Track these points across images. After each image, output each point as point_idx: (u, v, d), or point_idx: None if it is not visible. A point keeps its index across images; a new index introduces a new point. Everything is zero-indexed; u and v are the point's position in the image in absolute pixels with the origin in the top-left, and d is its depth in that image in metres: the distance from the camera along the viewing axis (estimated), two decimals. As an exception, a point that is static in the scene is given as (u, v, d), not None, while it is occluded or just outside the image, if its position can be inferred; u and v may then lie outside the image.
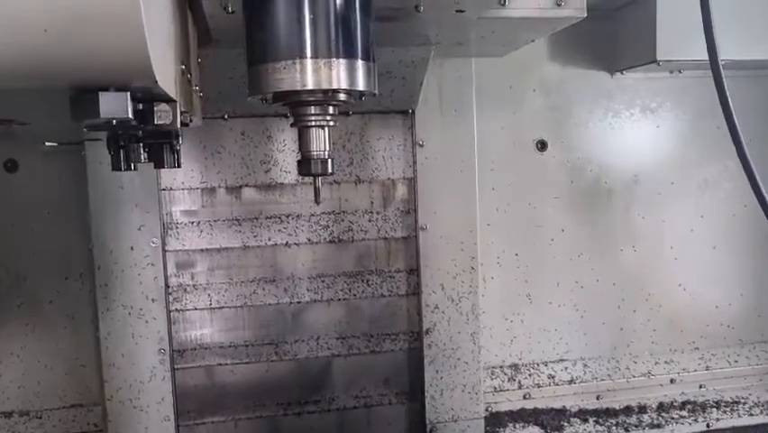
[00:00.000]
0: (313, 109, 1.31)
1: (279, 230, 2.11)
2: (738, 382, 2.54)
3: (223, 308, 2.10)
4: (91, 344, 2.11)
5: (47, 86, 0.88)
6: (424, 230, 2.13)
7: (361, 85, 1.26)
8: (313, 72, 1.21)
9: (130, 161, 1.22)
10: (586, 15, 1.56)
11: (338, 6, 1.22)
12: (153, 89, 0.93)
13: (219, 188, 2.07)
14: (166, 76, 0.95)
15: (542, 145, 2.36)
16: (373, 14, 1.29)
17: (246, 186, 2.09)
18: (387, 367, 2.21)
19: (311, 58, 1.20)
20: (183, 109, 1.11)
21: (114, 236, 1.96)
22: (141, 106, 0.99)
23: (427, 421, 2.19)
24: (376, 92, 1.30)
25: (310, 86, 1.21)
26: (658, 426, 2.37)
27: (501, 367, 2.39)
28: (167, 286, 2.02)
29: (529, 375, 2.39)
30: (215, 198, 2.07)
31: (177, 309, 2.07)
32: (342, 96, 1.28)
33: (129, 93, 0.89)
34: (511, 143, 2.34)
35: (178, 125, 1.05)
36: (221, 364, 2.12)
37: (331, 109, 1.32)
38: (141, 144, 1.20)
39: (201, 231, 2.07)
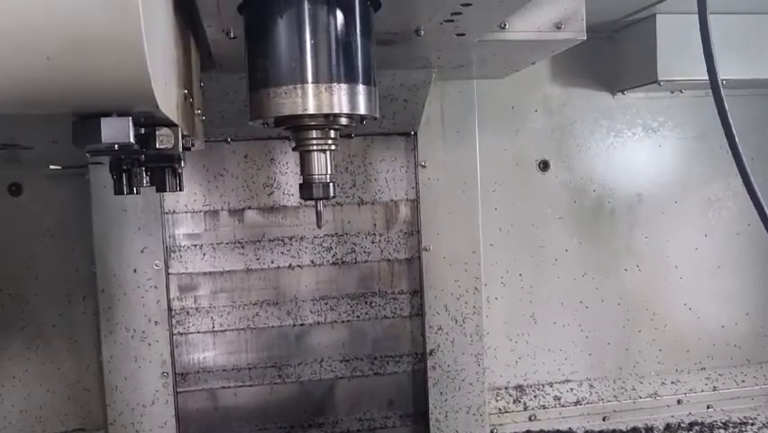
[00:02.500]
0: (314, 133, 1.31)
1: (282, 252, 2.11)
2: (746, 403, 2.51)
3: (225, 330, 2.10)
4: (94, 367, 2.11)
5: (49, 112, 0.88)
6: (427, 251, 2.13)
7: (362, 109, 1.27)
8: (314, 97, 1.21)
9: (132, 184, 1.22)
10: (586, 38, 1.57)
11: (338, 31, 1.23)
12: (155, 114, 0.94)
13: (222, 211, 2.08)
14: (168, 100, 0.95)
15: (544, 165, 2.37)
16: (374, 38, 1.30)
17: (249, 208, 2.09)
18: (390, 389, 2.20)
19: (312, 82, 1.21)
20: (185, 133, 1.11)
21: (117, 259, 1.96)
22: (143, 131, 0.99)
23: (432, 445, 2.17)
24: (377, 116, 1.30)
25: (311, 110, 1.22)
26: (666, 447, 2.35)
27: (506, 388, 2.37)
28: (169, 309, 2.02)
29: (534, 396, 2.37)
30: (218, 220, 2.07)
31: (180, 333, 2.06)
32: (343, 121, 1.29)
33: (131, 118, 0.89)
34: (513, 164, 2.34)
35: (180, 149, 1.05)
36: (224, 387, 2.11)
37: (332, 133, 1.33)
38: (144, 168, 1.21)
39: (204, 254, 2.07)
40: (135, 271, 1.97)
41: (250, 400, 2.12)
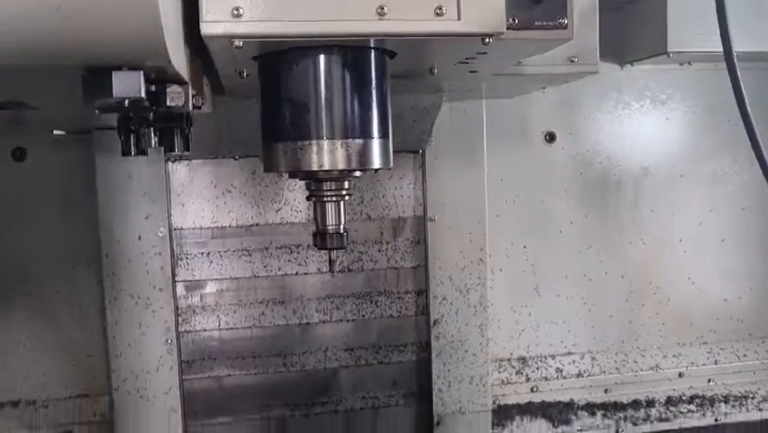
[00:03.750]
0: (328, 185, 1.35)
1: (289, 260, 2.12)
2: (747, 377, 2.52)
3: (232, 328, 2.11)
4: (97, 334, 2.11)
5: (60, 64, 0.87)
6: (432, 221, 2.12)
7: (376, 163, 1.28)
8: (329, 153, 1.22)
9: (140, 145, 1.21)
10: (598, 71, 1.63)
11: (354, 86, 1.24)
12: (166, 69, 0.92)
13: (230, 228, 2.09)
14: (178, 56, 0.94)
15: (550, 137, 2.35)
16: (389, 87, 1.30)
17: (257, 225, 2.10)
18: (395, 372, 2.22)
19: (327, 139, 1.22)
20: (194, 92, 1.10)
21: (121, 226, 1.96)
22: (153, 88, 0.98)
23: (434, 414, 2.19)
24: (391, 167, 1.32)
25: (326, 167, 1.23)
26: (666, 420, 2.37)
27: (509, 360, 2.38)
28: (173, 276, 2.01)
29: (537, 368, 2.38)
30: (226, 232, 2.09)
31: (186, 330, 2.08)
32: (357, 174, 1.31)
33: (142, 72, 0.88)
34: (520, 135, 2.33)
35: (190, 108, 1.04)
36: (229, 375, 2.12)
37: (346, 184, 1.36)
38: (152, 129, 1.20)
39: (211, 262, 2.08)
40: (140, 237, 1.97)
41: (255, 382, 2.14)
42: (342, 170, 1.27)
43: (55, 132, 1.98)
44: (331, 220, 1.39)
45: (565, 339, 2.42)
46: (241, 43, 1.04)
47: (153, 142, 1.20)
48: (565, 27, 1.17)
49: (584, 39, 1.55)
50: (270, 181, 2.10)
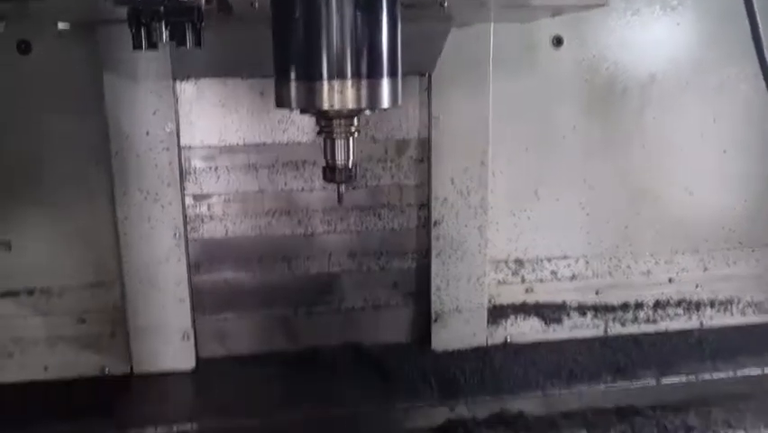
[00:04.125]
0: (338, 122, 1.38)
1: (295, 176, 2.16)
2: (734, 283, 2.61)
3: (238, 237, 2.17)
4: (108, 225, 2.17)
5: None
6: (437, 120, 2.14)
7: (385, 103, 1.33)
8: (339, 93, 1.27)
9: (151, 39, 1.22)
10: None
11: (364, 27, 1.27)
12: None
13: (237, 146, 2.12)
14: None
15: (557, 41, 2.33)
16: (399, 29, 1.32)
17: (264, 144, 2.12)
18: (396, 276, 2.31)
19: (338, 78, 1.26)
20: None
21: (129, 121, 1.98)
22: (166, -20, 0.98)
23: (432, 311, 2.29)
24: (399, 104, 1.36)
25: (337, 106, 1.28)
26: (653, 322, 2.48)
27: (506, 262, 2.46)
28: (181, 171, 2.05)
29: (532, 270, 2.47)
30: (234, 150, 2.13)
31: (194, 238, 2.16)
32: (367, 112, 1.35)
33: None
34: (527, 38, 2.30)
35: (202, 1, 1.05)
36: (235, 277, 2.21)
37: (355, 121, 1.39)
38: (163, 22, 1.20)
39: (219, 177, 2.13)
40: (147, 133, 1.99)
41: (259, 282, 2.23)
42: (351, 109, 1.31)
43: (59, 25, 1.96)
44: (340, 156, 1.44)
45: (561, 243, 2.49)
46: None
47: (164, 37, 1.21)
48: None
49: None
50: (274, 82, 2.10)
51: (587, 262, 2.52)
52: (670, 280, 2.56)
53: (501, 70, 2.22)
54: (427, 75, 2.14)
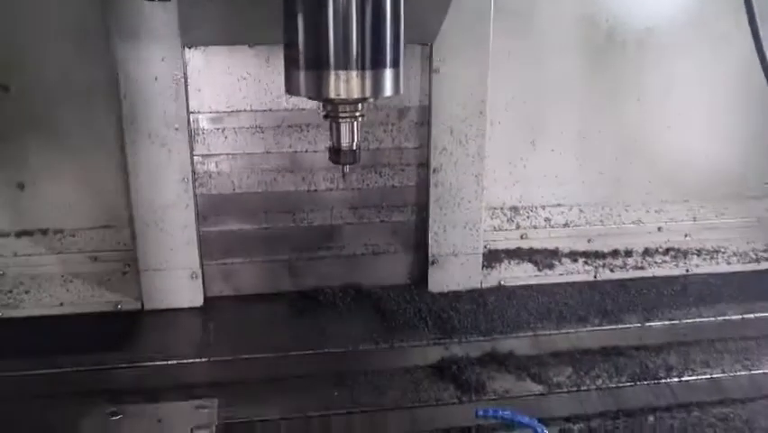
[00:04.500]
0: (343, 107, 1.47)
1: (300, 138, 2.22)
2: (721, 234, 2.70)
3: (245, 192, 2.24)
4: (118, 170, 2.24)
5: None
6: (437, 72, 2.19)
7: (388, 91, 1.43)
8: (345, 82, 1.36)
9: (164, -10, 1.26)
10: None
11: (369, 21, 1.35)
12: None
13: (244, 112, 2.17)
14: None
15: (558, -6, 2.36)
16: (402, 21, 1.41)
17: (270, 110, 2.17)
18: (395, 227, 2.40)
19: (343, 69, 1.35)
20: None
21: (137, 67, 2.02)
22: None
23: (430, 255, 2.38)
24: (401, 92, 1.47)
25: (343, 95, 1.37)
26: (641, 268, 2.57)
27: (502, 209, 2.54)
28: (188, 115, 2.11)
29: (527, 217, 2.55)
30: (241, 116, 2.18)
31: (202, 193, 2.23)
32: (371, 99, 1.44)
33: None
34: (528, -10, 2.34)
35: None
36: (241, 229, 2.28)
37: (360, 106, 1.47)
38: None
39: (226, 137, 2.19)
40: (156, 79, 2.04)
41: (264, 232, 2.31)
42: (356, 98, 1.41)
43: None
44: (345, 138, 1.54)
45: (556, 192, 2.57)
46: None
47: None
48: None
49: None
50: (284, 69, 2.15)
51: (580, 211, 2.61)
52: (659, 229, 2.65)
53: (501, 24, 2.25)
54: (429, 45, 2.18)
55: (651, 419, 1.83)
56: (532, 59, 2.40)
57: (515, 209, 2.55)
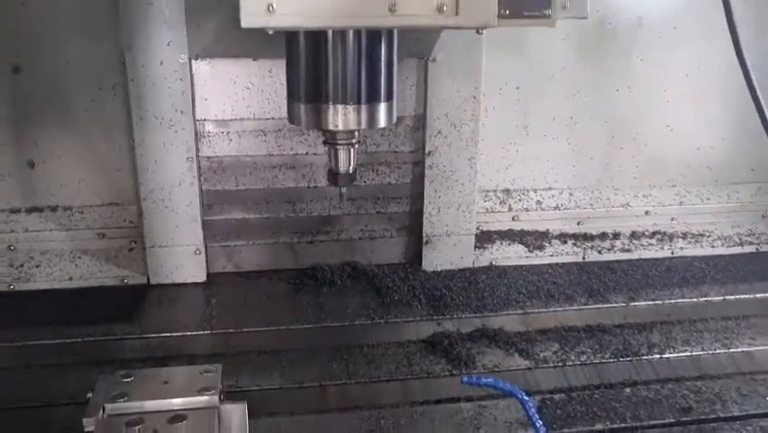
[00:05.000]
0: (341, 135, 1.58)
1: (301, 141, 2.30)
2: (707, 218, 2.78)
3: (248, 188, 2.34)
4: (124, 150, 2.33)
5: None
6: (433, 61, 2.27)
7: (382, 123, 1.56)
8: (342, 115, 1.49)
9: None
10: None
11: (364, 61, 1.47)
12: None
13: (248, 120, 2.27)
14: None
15: (552, -17, 2.43)
16: (395, 59, 1.53)
17: (272, 119, 2.27)
18: (391, 215, 2.48)
19: (341, 104, 1.47)
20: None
21: (144, 51, 2.10)
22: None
23: (424, 235, 2.47)
24: (395, 121, 1.63)
25: (341, 127, 1.50)
26: (628, 250, 2.65)
27: (494, 191, 2.63)
28: (193, 100, 2.19)
29: (519, 200, 2.64)
30: (244, 123, 2.28)
31: (207, 189, 2.32)
32: (366, 129, 1.57)
33: None
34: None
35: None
36: (244, 217, 2.38)
37: (356, 134, 1.58)
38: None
39: (230, 140, 2.28)
40: (162, 63, 2.12)
41: (266, 219, 2.41)
42: (352, 129, 1.54)
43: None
44: (343, 163, 1.66)
45: (547, 176, 2.66)
46: (272, 31, 1.29)
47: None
48: (549, 17, 1.37)
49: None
50: (285, 80, 2.22)
51: (570, 194, 2.69)
52: (647, 213, 2.74)
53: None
54: (425, 59, 2.26)
55: (627, 390, 1.93)
56: (525, 48, 2.47)
57: (507, 192, 2.64)
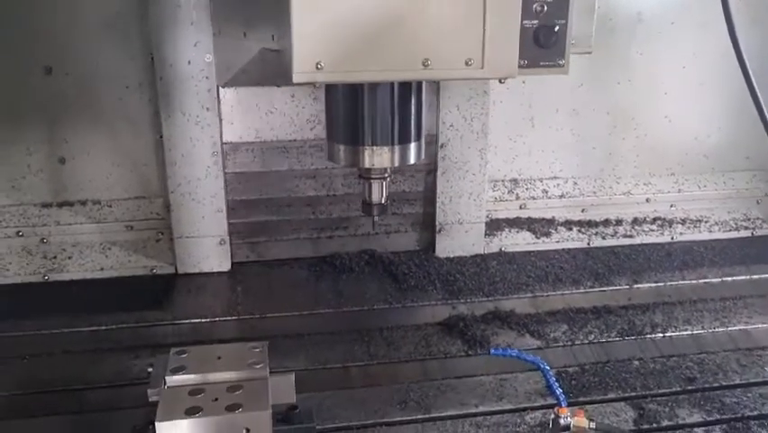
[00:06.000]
0: (375, 171, 1.73)
1: (320, 157, 2.42)
2: (704, 204, 2.90)
3: (271, 198, 2.47)
4: (150, 145, 2.43)
5: None
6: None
7: (412, 160, 1.71)
8: (377, 155, 1.64)
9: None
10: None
11: (397, 107, 1.61)
12: None
13: (271, 142, 2.40)
14: None
15: (556, -19, 2.53)
16: (424, 103, 1.68)
17: (295, 140, 2.41)
18: (406, 213, 2.60)
19: (375, 146, 1.63)
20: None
21: (172, 51, 2.20)
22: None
23: (437, 223, 2.58)
24: (423, 158, 1.78)
25: (375, 166, 1.67)
26: (630, 236, 2.77)
27: (503, 181, 2.74)
28: (218, 98, 2.29)
29: (526, 189, 2.75)
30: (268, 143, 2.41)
31: (231, 199, 2.44)
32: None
33: None
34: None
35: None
36: (267, 219, 2.49)
37: (388, 169, 1.72)
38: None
39: (255, 157, 2.41)
40: (189, 62, 2.22)
41: (287, 220, 2.53)
42: (386, 167, 1.69)
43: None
44: (376, 195, 1.78)
45: (553, 166, 2.77)
46: (319, 85, 1.44)
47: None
48: (563, 66, 1.51)
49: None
50: (307, 103, 2.38)
51: (575, 183, 2.81)
52: (647, 200, 2.85)
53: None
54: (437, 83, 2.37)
55: (636, 363, 2.06)
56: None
57: (515, 182, 2.75)
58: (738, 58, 1.74)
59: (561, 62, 1.50)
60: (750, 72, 1.85)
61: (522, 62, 1.47)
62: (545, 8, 1.48)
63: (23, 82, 2.29)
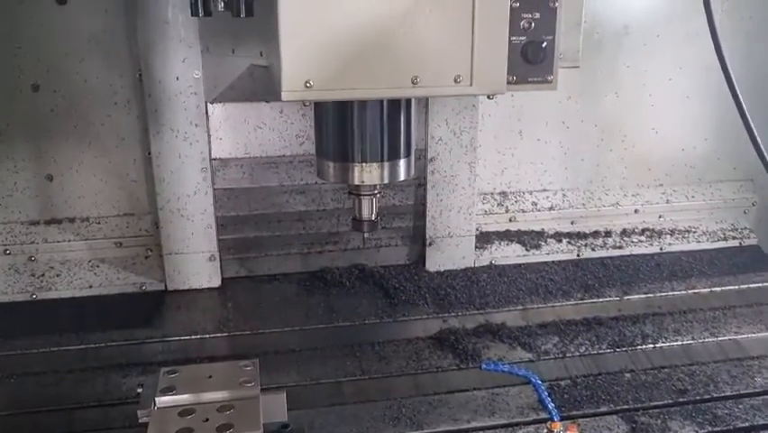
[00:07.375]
0: (364, 188, 1.74)
1: (310, 172, 2.42)
2: (692, 215, 2.92)
3: (260, 213, 2.47)
4: (138, 162, 2.42)
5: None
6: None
7: (402, 176, 1.71)
8: (367, 172, 1.65)
9: (207, 8, 1.45)
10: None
11: (386, 124, 1.62)
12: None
13: (260, 157, 2.41)
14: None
15: (542, -5, 2.56)
16: (413, 119, 1.68)
17: (283, 156, 2.42)
18: (396, 228, 2.60)
19: (364, 162, 1.63)
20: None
21: (161, 67, 2.20)
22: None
23: (427, 237, 2.58)
24: (413, 174, 1.76)
25: (365, 182, 1.68)
26: (620, 247, 2.78)
27: (492, 194, 2.75)
28: (207, 113, 2.29)
29: (515, 202, 2.76)
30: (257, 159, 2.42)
31: (221, 215, 2.44)
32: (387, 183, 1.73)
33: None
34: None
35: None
36: (257, 235, 2.49)
37: (378, 186, 1.73)
38: (219, -6, 1.43)
39: (244, 173, 2.41)
40: (178, 78, 2.22)
41: (277, 235, 2.52)
42: (376, 184, 1.70)
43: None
44: (366, 211, 1.78)
45: (542, 178, 2.78)
46: (308, 103, 1.43)
47: (220, 6, 1.44)
48: (551, 81, 1.52)
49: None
50: (296, 119, 2.39)
51: (564, 195, 2.82)
52: (636, 212, 2.87)
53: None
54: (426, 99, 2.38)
55: (627, 375, 2.06)
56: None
57: (504, 194, 2.76)
58: (723, 69, 1.76)
59: (549, 78, 1.52)
60: (735, 83, 1.87)
61: (510, 78, 1.48)
62: (533, 25, 1.49)
63: (10, 99, 2.28)
